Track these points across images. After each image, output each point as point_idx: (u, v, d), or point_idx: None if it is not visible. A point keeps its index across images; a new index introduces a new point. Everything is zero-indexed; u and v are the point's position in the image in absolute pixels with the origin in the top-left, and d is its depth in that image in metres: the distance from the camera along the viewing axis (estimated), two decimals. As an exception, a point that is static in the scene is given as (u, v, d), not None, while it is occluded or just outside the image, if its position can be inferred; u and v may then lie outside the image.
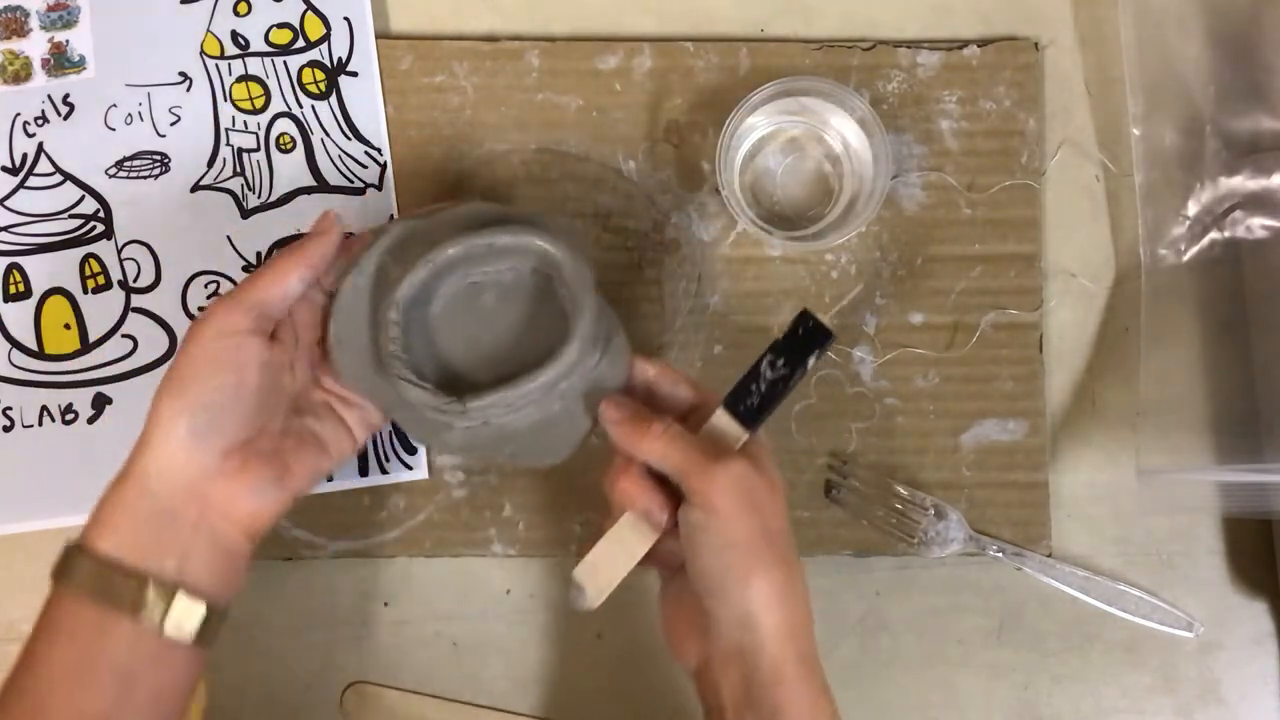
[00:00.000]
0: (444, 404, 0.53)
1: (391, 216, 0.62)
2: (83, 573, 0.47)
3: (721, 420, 0.51)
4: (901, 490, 0.62)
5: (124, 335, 0.62)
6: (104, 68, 0.63)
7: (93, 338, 0.62)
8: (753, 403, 0.51)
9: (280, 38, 0.63)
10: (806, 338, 0.51)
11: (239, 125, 0.63)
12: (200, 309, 0.62)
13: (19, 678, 0.47)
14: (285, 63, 0.63)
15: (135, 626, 0.47)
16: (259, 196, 0.62)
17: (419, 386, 0.53)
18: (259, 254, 0.62)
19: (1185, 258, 0.62)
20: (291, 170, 0.62)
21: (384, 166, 0.62)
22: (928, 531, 0.61)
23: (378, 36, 0.63)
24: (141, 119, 0.63)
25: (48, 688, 0.46)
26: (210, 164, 0.63)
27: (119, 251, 0.62)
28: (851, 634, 0.62)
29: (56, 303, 0.62)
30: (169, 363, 0.51)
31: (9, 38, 0.63)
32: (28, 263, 0.62)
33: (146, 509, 0.48)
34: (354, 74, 0.63)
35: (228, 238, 0.62)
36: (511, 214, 0.57)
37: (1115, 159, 0.65)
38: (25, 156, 0.62)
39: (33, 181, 0.62)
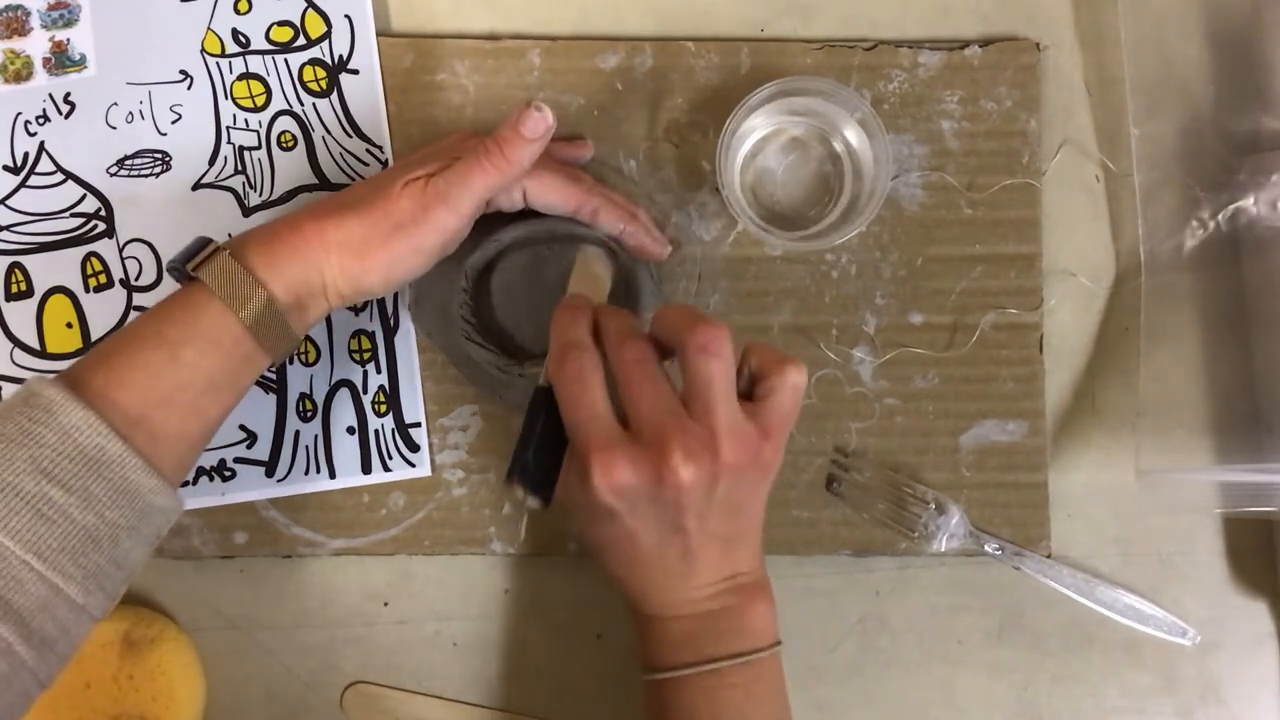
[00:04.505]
0: (504, 365, 0.59)
1: None
2: (256, 305, 0.50)
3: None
4: (902, 483, 0.62)
5: (125, 333, 0.62)
6: (105, 66, 0.63)
7: (95, 336, 0.62)
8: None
9: (281, 35, 0.63)
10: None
11: (240, 123, 0.63)
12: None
13: (169, 373, 0.49)
14: (286, 60, 0.63)
15: (266, 361, 0.52)
16: (260, 194, 0.62)
17: (483, 348, 0.60)
18: (260, 252, 0.62)
19: (1185, 258, 0.62)
20: (293, 168, 0.62)
21: (385, 164, 0.63)
22: (928, 526, 0.61)
23: (378, 34, 0.63)
24: (142, 117, 0.63)
25: (200, 392, 0.49)
26: (211, 162, 0.63)
27: (120, 250, 0.62)
28: (851, 634, 0.62)
29: (58, 301, 0.62)
30: (354, 200, 0.53)
31: (10, 37, 0.63)
32: (29, 262, 0.62)
33: (305, 274, 0.52)
34: (355, 72, 0.63)
35: (229, 235, 0.62)
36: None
37: (1115, 159, 0.65)
38: (26, 155, 0.62)
39: (34, 180, 0.62)
